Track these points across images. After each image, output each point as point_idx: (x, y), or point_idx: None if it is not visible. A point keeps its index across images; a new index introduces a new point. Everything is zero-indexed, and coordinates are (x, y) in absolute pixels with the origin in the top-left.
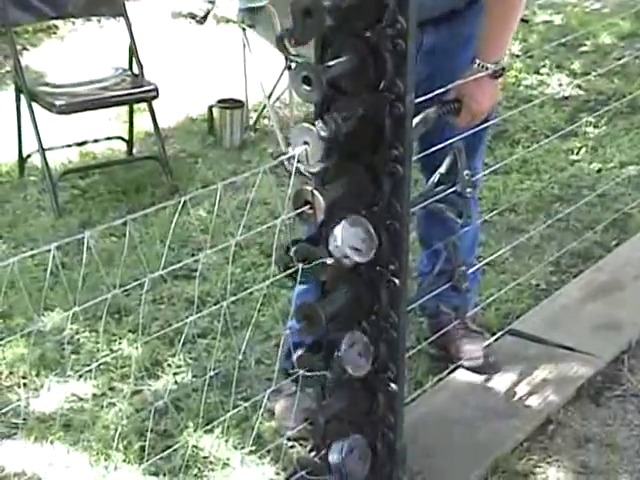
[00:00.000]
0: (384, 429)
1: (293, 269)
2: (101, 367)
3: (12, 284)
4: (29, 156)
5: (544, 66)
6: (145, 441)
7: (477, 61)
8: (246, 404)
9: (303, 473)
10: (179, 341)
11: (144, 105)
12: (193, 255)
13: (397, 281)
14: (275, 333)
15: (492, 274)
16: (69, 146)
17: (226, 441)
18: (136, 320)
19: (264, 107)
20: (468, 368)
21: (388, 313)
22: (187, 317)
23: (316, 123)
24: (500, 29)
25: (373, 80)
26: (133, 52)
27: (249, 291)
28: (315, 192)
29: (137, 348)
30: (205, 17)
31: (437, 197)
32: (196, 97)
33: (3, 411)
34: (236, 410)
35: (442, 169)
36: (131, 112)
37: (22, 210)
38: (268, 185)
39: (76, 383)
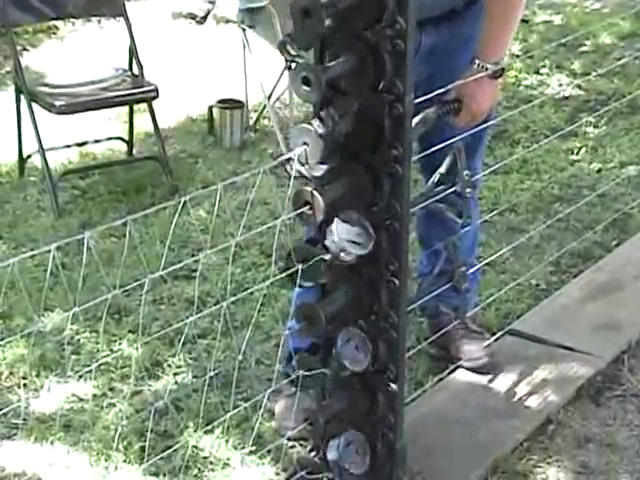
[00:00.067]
0: (384, 429)
1: (293, 269)
2: (101, 367)
3: (12, 284)
4: (29, 156)
5: (544, 66)
6: (145, 441)
7: (477, 61)
8: (246, 404)
9: (303, 473)
10: (179, 341)
11: (144, 105)
12: (193, 255)
13: (397, 281)
14: (275, 333)
15: (492, 274)
16: (69, 146)
17: (226, 441)
18: (136, 320)
19: (264, 107)
20: (468, 368)
21: (388, 313)
22: (187, 317)
23: (313, 122)
24: (500, 29)
25: (372, 80)
26: (133, 52)
27: (249, 291)
28: (315, 192)
29: (137, 348)
30: (205, 17)
31: (437, 197)
32: (196, 97)
33: (3, 411)
34: (236, 410)
35: (442, 169)
36: (131, 112)
37: (22, 210)
38: (268, 185)
39: (76, 383)
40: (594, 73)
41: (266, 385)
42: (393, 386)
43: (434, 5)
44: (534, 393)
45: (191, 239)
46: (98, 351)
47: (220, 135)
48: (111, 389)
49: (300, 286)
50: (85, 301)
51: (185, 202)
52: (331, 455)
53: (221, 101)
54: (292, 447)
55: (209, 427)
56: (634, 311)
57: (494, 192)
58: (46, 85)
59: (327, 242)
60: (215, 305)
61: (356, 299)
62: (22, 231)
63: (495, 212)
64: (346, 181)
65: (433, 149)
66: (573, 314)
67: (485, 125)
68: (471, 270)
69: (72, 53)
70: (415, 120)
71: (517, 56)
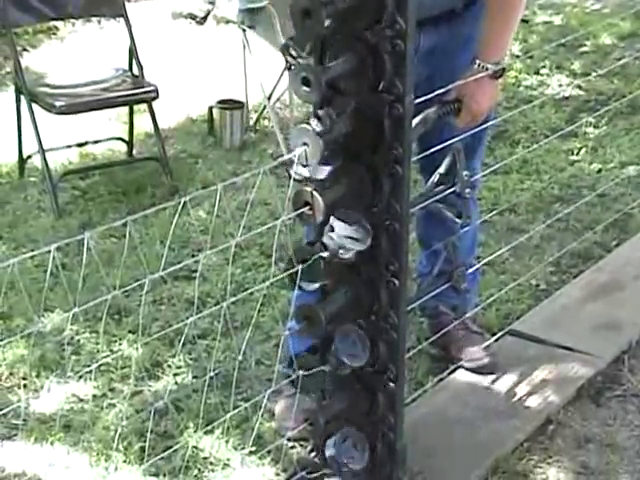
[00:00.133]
0: (384, 429)
1: (293, 269)
2: (101, 368)
3: (12, 285)
4: (29, 157)
5: (544, 66)
6: (145, 442)
7: (477, 61)
8: (246, 405)
9: (303, 473)
10: (179, 342)
11: (144, 106)
12: (193, 256)
13: (397, 281)
14: (275, 334)
15: (492, 274)
16: (69, 147)
17: (226, 442)
18: (136, 321)
19: (264, 108)
20: (468, 369)
21: (388, 313)
22: (187, 318)
23: (311, 121)
24: (500, 29)
25: (372, 81)
26: (133, 53)
27: (249, 292)
28: (315, 193)
29: (137, 349)
30: (205, 18)
31: (436, 198)
32: (196, 98)
33: (3, 412)
34: (236, 411)
35: (441, 169)
36: (131, 113)
37: (22, 211)
38: (268, 186)
39: (76, 384)
40: (594, 73)
41: (266, 385)
42: (393, 386)
43: (434, 5)
44: (534, 393)
45: (191, 239)
46: (98, 351)
47: (220, 135)
48: (111, 389)
49: (301, 289)
50: (85, 301)
51: (185, 202)
52: (329, 452)
53: (221, 101)
54: (292, 447)
55: (209, 427)
56: (634, 311)
57: (494, 192)
58: (46, 85)
59: (325, 239)
60: (215, 305)
61: (356, 299)
62: (22, 231)
63: (495, 212)
64: (346, 181)
65: (432, 150)
66: (573, 314)
67: (485, 126)
68: (470, 270)
69: (72, 53)
70: (415, 120)
71: (517, 56)
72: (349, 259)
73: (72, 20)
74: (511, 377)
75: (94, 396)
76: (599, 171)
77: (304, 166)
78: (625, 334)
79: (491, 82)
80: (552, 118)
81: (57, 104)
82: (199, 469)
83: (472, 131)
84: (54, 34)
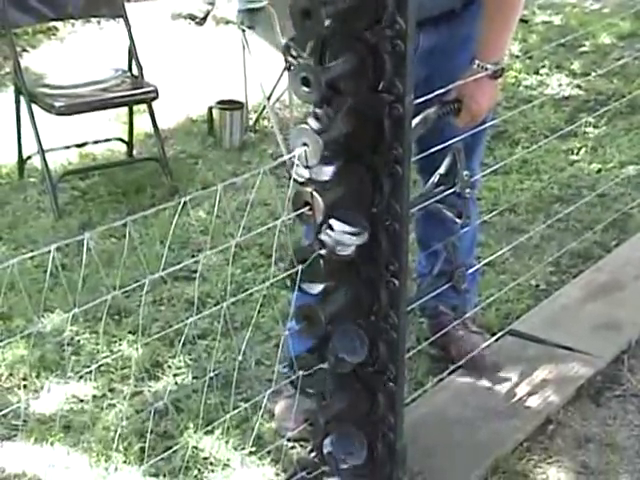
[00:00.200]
0: (384, 429)
1: (293, 269)
2: (101, 368)
3: (12, 285)
4: (29, 157)
5: (544, 66)
6: (145, 442)
7: (477, 61)
8: (246, 405)
9: (303, 474)
10: (179, 342)
11: (144, 106)
12: (193, 256)
13: (397, 282)
14: (275, 334)
15: (492, 274)
16: (69, 147)
17: (226, 442)
18: (136, 321)
19: (264, 108)
20: (468, 369)
21: (388, 314)
22: (187, 318)
23: (309, 120)
24: (499, 30)
25: (372, 81)
26: (133, 53)
27: (249, 292)
28: (314, 193)
29: (137, 349)
30: (205, 18)
31: (436, 198)
32: (196, 98)
33: (3, 412)
34: (236, 411)
35: (441, 170)
36: (131, 113)
37: (22, 211)
38: (268, 186)
39: (76, 384)
40: (594, 73)
41: (266, 386)
42: (393, 386)
43: (434, 5)
44: (534, 393)
45: (191, 240)
46: (98, 352)
47: (220, 136)
48: (111, 390)
49: (302, 290)
50: (85, 302)
51: (185, 203)
52: (326, 448)
53: (221, 102)
54: (292, 448)
55: (209, 428)
56: (634, 311)
57: (494, 192)
58: (46, 86)
59: (322, 236)
60: (215, 306)
61: (356, 299)
62: (22, 232)
63: (495, 212)
64: (346, 182)
65: (432, 150)
66: (573, 314)
67: (484, 126)
68: (470, 270)
69: (72, 54)
70: (415, 121)
71: (517, 56)
72: (348, 256)
73: (72, 20)
74: (511, 377)
75: (94, 396)
76: (599, 171)
77: (304, 167)
78: (625, 334)
79: (490, 82)
80: (552, 118)
81: (57, 104)
82: (199, 469)
83: (472, 131)
84: (54, 34)
